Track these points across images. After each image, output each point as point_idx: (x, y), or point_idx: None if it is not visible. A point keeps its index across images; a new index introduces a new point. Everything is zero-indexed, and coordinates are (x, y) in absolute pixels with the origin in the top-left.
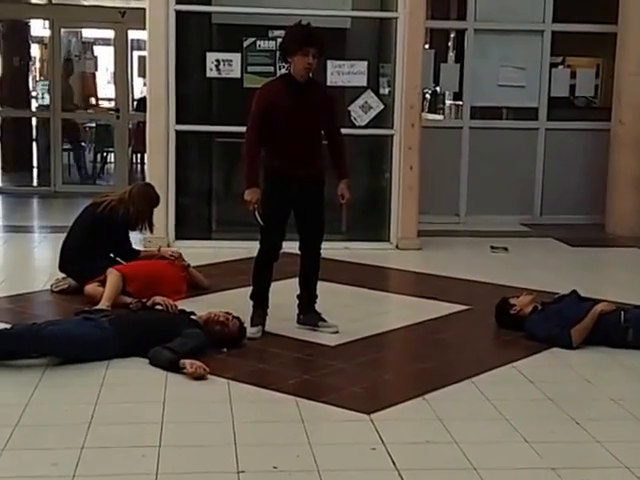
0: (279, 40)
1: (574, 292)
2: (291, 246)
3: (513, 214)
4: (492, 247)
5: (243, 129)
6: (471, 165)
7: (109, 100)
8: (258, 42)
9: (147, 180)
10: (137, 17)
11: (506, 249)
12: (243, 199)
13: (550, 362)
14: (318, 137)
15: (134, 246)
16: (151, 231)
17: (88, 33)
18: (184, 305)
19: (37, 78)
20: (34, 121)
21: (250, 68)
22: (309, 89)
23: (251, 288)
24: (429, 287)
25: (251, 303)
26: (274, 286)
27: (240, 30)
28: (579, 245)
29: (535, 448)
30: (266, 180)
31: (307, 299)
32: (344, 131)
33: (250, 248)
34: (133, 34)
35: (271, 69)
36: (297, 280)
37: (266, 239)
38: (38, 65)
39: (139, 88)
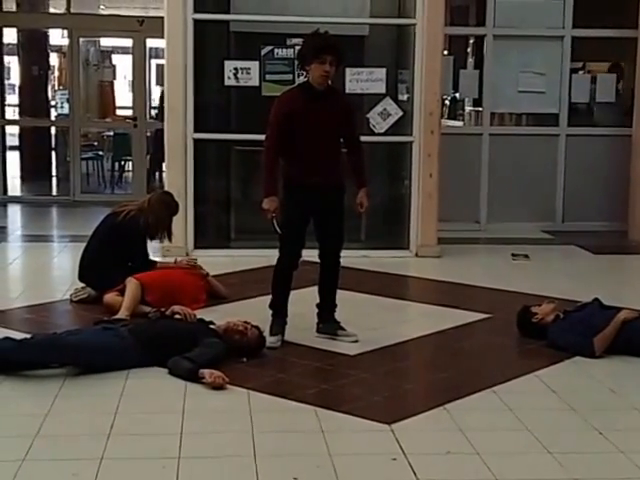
0: (297, 48)
1: (596, 300)
2: (310, 254)
3: (534, 221)
4: (513, 255)
5: (261, 137)
6: (491, 171)
7: (127, 109)
8: (276, 50)
9: (165, 189)
10: (155, 25)
11: (527, 257)
12: (262, 208)
13: (573, 371)
14: (337, 145)
15: (152, 256)
16: (170, 240)
17: (106, 42)
18: (203, 314)
19: (56, 87)
20: (53, 130)
21: (268, 76)
22: (328, 97)
23: (270, 297)
24: (449, 295)
25: (270, 312)
26: (293, 295)
27: (258, 38)
28: (601, 252)
29: (558, 459)
30: (285, 189)
31: (326, 308)
32: (363, 138)
33: (269, 256)
34: (151, 42)
35: (289, 77)
36: (316, 289)
37: (285, 248)
38: (57, 74)
39: (157, 97)
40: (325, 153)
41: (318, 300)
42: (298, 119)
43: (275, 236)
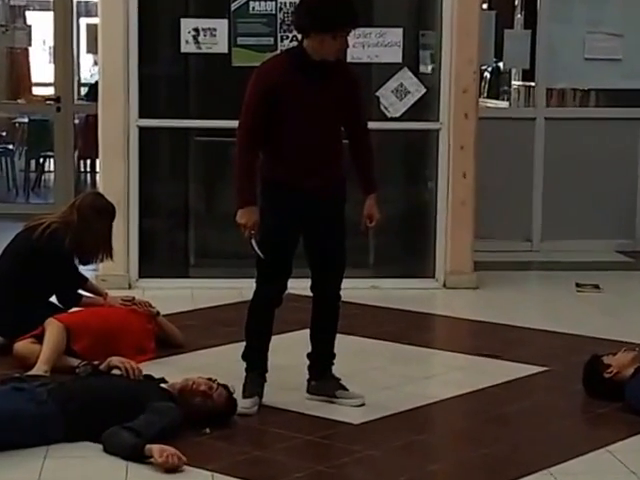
0: (281, 0)
1: None
2: (299, 285)
3: (607, 238)
4: (578, 284)
5: (232, 124)
6: (547, 170)
7: (47, 86)
8: (251, 3)
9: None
10: None
11: (597, 287)
12: (235, 222)
13: None
14: (337, 136)
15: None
16: (111, 258)
17: None
18: (151, 369)
19: None
20: None
21: (240, 40)
22: (328, 70)
23: (244, 345)
24: (489, 341)
25: (244, 365)
26: (275, 341)
27: None
28: None
29: None
30: (265, 195)
31: (321, 359)
32: (371, 125)
33: (241, 289)
34: None
35: (270, 41)
36: (307, 333)
37: (265, 277)
38: None
39: (88, 69)
40: (322, 145)
41: (310, 349)
42: (286, 99)
43: (251, 261)
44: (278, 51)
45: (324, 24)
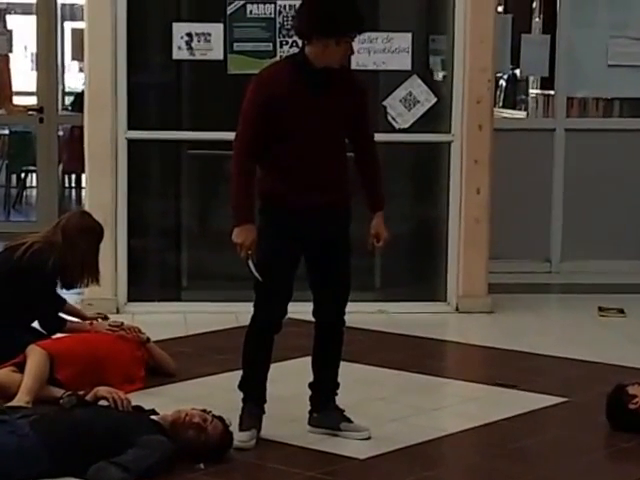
0: (281, 4)
1: None
2: (299, 309)
3: (631, 259)
4: (600, 309)
5: (227, 136)
6: (568, 185)
7: (29, 95)
8: (248, 7)
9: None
10: None
11: (622, 311)
12: (231, 241)
13: None
14: (342, 150)
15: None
16: (98, 282)
17: None
18: (141, 399)
19: None
20: None
21: (237, 45)
22: (332, 78)
23: (240, 373)
24: (505, 369)
25: (240, 396)
26: (274, 370)
27: None
28: None
29: None
30: (264, 213)
31: (324, 390)
32: (378, 137)
33: (237, 313)
34: None
35: (268, 47)
36: (309, 361)
37: (264, 300)
38: None
39: (74, 77)
40: (325, 160)
41: (312, 378)
42: (286, 109)
43: (249, 284)
44: (277, 57)
45: (327, 28)
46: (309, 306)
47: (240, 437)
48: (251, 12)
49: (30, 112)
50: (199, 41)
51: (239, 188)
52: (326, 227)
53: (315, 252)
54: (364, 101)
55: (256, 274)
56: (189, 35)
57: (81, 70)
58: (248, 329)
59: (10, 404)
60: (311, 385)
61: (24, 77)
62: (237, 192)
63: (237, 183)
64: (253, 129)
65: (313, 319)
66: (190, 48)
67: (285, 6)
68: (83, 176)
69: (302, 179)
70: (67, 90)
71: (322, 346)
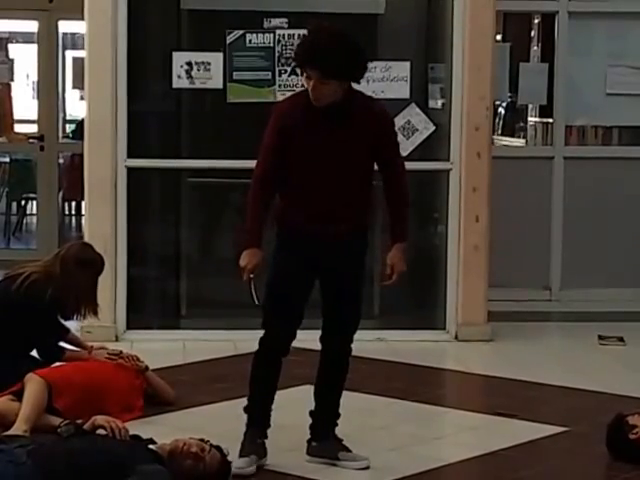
0: (280, 33)
1: None
2: (302, 337)
3: (632, 287)
4: (601, 337)
5: (225, 164)
6: (567, 213)
7: (30, 123)
8: (248, 36)
9: (85, 240)
10: (71, 2)
11: (622, 340)
12: (230, 269)
13: None
14: (361, 181)
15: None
16: (96, 314)
17: (1, 25)
18: (139, 429)
19: None
20: None
21: (236, 74)
22: (351, 109)
23: (242, 400)
24: (505, 399)
25: (241, 423)
26: (275, 397)
27: (222, 19)
28: None
29: None
30: (279, 238)
31: (324, 419)
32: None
33: (236, 341)
34: (66, 26)
35: (267, 75)
36: (310, 389)
37: (270, 321)
38: None
39: (75, 105)
40: (341, 191)
41: (313, 406)
42: (301, 140)
43: (247, 311)
44: (276, 86)
45: (296, 62)
46: (311, 334)
47: (238, 463)
48: (250, 41)
49: (31, 140)
50: (199, 70)
51: (254, 214)
52: (338, 257)
53: (327, 280)
54: (386, 131)
55: (255, 296)
56: (189, 64)
57: (82, 98)
58: (257, 351)
59: (8, 433)
60: (312, 413)
61: (25, 105)
62: (252, 218)
63: (251, 209)
64: (270, 158)
65: (315, 348)
66: (190, 77)
67: (284, 35)
68: (83, 203)
69: (318, 210)
70: (68, 118)
71: (326, 374)
